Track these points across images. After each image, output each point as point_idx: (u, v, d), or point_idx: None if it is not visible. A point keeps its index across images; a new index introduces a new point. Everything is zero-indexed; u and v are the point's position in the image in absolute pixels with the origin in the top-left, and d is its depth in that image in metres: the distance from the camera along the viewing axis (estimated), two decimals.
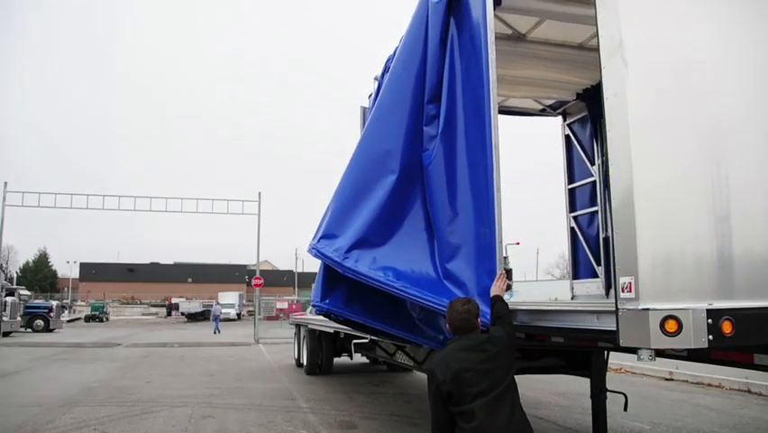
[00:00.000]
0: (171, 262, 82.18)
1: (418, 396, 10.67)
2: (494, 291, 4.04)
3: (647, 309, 2.99)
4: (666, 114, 3.35)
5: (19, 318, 29.35)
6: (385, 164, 5.07)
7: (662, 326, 2.96)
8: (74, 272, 75.46)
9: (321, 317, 7.11)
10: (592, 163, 8.17)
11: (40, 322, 32.74)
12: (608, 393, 6.26)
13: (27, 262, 79.41)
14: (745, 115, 3.51)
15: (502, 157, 4.44)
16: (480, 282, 4.29)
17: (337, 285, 5.19)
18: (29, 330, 31.71)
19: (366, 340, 8.40)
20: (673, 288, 3.13)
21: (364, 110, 7.46)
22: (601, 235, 7.90)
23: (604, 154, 7.33)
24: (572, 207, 8.69)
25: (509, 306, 4.08)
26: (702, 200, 3.32)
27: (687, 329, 2.98)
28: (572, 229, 8.62)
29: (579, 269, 8.50)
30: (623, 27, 3.30)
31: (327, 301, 5.27)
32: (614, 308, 3.16)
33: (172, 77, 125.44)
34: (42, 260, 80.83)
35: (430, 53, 5.08)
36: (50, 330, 32.75)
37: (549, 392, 10.47)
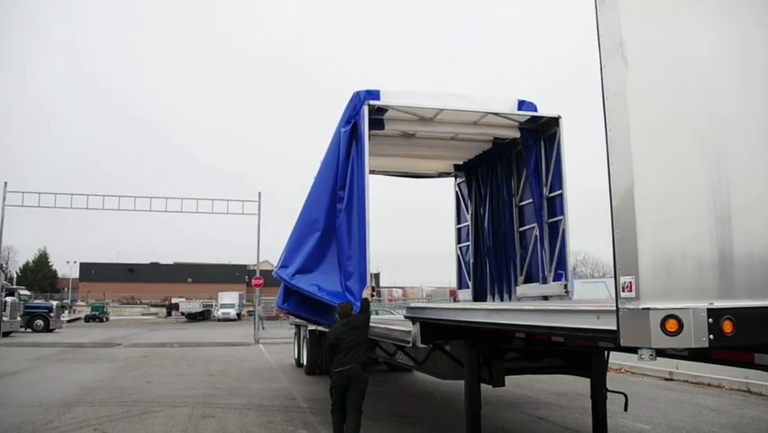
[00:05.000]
0: (171, 262, 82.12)
1: (418, 396, 10.68)
2: (364, 295, 7.37)
3: (648, 309, 2.98)
4: (666, 113, 3.34)
5: (19, 318, 29.31)
6: (314, 226, 8.63)
7: (662, 325, 2.95)
8: (74, 272, 75.51)
9: None
10: (468, 212, 11.57)
11: (40, 322, 32.72)
12: (608, 393, 6.27)
13: (27, 262, 79.38)
14: (746, 115, 3.50)
15: None
16: (360, 291, 7.56)
17: (291, 295, 9.04)
18: (29, 330, 31.71)
19: (315, 329, 12.16)
20: (674, 287, 3.11)
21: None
22: (471, 261, 11.35)
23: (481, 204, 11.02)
24: (458, 240, 12.08)
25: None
26: (703, 199, 3.31)
27: (688, 329, 2.97)
28: (458, 256, 12.03)
29: (461, 282, 11.94)
30: (623, 26, 3.29)
31: (286, 304, 9.34)
32: (614, 308, 3.15)
33: (175, 76, 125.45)
34: (42, 260, 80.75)
35: (341, 161, 8.42)
36: (50, 330, 32.75)
37: (549, 392, 10.47)
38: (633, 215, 3.13)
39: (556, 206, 8.98)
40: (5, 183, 27.87)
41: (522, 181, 10.00)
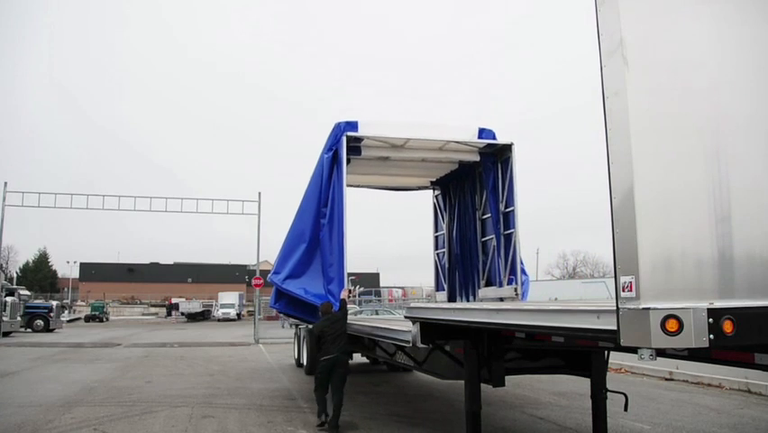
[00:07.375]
0: (171, 262, 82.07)
1: (418, 396, 10.67)
2: (342, 296, 8.70)
3: (648, 309, 2.98)
4: (666, 113, 3.33)
5: (19, 318, 29.27)
6: (301, 238, 10.09)
7: (662, 325, 2.95)
8: (74, 272, 75.47)
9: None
10: (443, 222, 12.97)
11: (40, 322, 32.69)
12: (608, 393, 6.26)
13: (27, 262, 79.31)
14: (746, 114, 3.50)
15: None
16: (339, 293, 8.87)
17: (282, 297, 10.56)
18: (29, 330, 31.68)
19: (305, 326, 13.32)
20: (674, 287, 3.11)
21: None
22: (446, 266, 12.75)
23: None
24: (436, 247, 13.42)
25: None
26: (703, 199, 3.31)
27: (688, 329, 2.97)
28: (435, 261, 13.31)
29: (438, 285, 13.27)
30: (623, 25, 3.29)
31: (277, 305, 10.94)
32: (614, 308, 3.15)
33: (173, 78, 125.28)
34: (42, 260, 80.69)
35: (323, 182, 9.82)
36: (50, 330, 32.72)
37: (549, 392, 10.48)
38: (633, 215, 3.12)
39: (510, 220, 10.45)
40: (5, 183, 27.84)
41: (484, 198, 11.44)
